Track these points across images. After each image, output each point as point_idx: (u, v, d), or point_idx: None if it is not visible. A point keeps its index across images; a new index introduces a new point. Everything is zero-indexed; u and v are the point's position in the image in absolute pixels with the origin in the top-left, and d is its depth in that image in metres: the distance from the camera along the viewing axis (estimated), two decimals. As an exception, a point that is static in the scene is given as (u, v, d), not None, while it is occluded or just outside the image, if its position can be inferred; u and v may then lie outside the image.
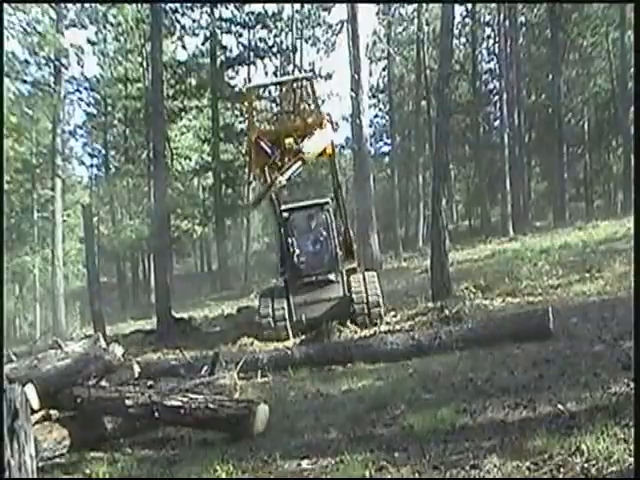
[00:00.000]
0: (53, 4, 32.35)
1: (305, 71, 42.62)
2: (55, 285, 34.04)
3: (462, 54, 46.74)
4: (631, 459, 4.56)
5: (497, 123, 45.29)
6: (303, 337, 13.56)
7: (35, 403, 6.94)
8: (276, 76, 45.23)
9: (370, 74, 50.49)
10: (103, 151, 49.69)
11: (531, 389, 6.93)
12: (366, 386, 8.76)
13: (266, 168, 14.25)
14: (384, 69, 50.05)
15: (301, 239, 14.63)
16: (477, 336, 9.96)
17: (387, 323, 13.87)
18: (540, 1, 39.65)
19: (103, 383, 7.90)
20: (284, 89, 15.07)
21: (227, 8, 40.93)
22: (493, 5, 40.88)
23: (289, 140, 13.77)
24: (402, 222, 47.93)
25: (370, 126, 39.31)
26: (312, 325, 13.66)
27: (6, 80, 27.26)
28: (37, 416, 7.13)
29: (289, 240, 14.49)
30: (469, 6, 40.87)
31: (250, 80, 43.30)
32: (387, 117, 52.00)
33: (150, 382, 8.81)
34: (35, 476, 4.70)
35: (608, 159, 47.03)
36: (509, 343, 9.43)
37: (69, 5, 34.32)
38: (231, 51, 42.42)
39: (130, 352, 12.45)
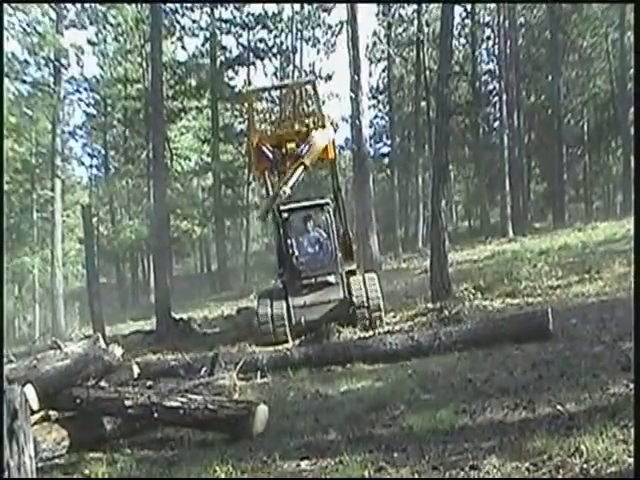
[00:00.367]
0: (53, 4, 32.34)
1: (307, 73, 42.67)
2: (54, 285, 34.03)
3: (462, 55, 46.74)
4: (630, 460, 4.56)
5: (497, 124, 45.21)
6: (302, 339, 13.47)
7: (34, 404, 6.93)
8: (276, 77, 45.33)
9: (370, 75, 50.43)
10: (103, 151, 49.79)
11: (530, 390, 6.93)
12: (365, 387, 8.76)
13: (266, 172, 14.26)
14: (384, 70, 50.03)
15: (300, 240, 14.48)
16: (476, 337, 9.96)
17: (387, 324, 13.82)
18: (541, 1, 39.63)
19: (102, 384, 7.90)
20: (286, 93, 14.90)
21: (227, 9, 41.03)
22: (493, 6, 40.85)
23: (291, 145, 13.73)
24: (402, 223, 47.90)
25: (370, 127, 39.21)
26: (311, 328, 13.48)
27: (5, 80, 27.25)
28: (36, 417, 7.13)
29: (288, 241, 14.25)
30: (469, 7, 40.83)
31: (250, 81, 43.47)
32: (387, 118, 51.97)
33: (149, 383, 8.82)
34: (34, 477, 4.70)
35: (607, 160, 47.09)
36: (508, 344, 9.45)
37: (69, 5, 34.29)
38: (231, 52, 42.56)
39: (129, 353, 12.45)
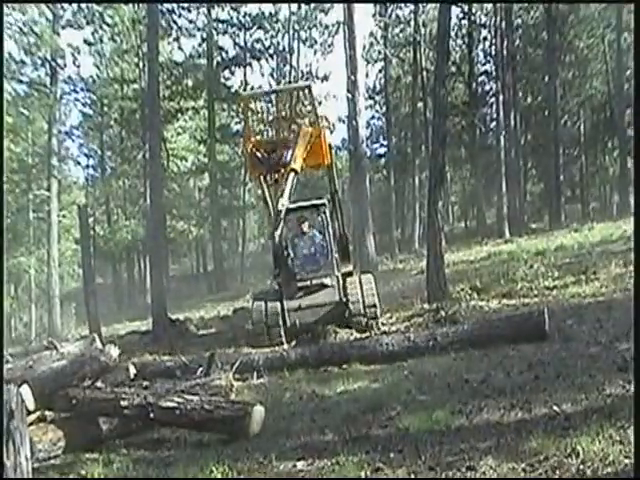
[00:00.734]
0: (50, 4, 32.33)
1: (304, 74, 42.72)
2: (50, 286, 34.00)
3: (458, 56, 46.70)
4: (627, 460, 4.57)
5: (493, 125, 45.24)
6: (298, 340, 13.34)
7: (30, 404, 6.93)
8: (272, 77, 45.42)
9: (367, 75, 50.59)
10: (99, 152, 49.80)
11: (527, 390, 6.93)
12: (362, 387, 8.75)
13: (261, 178, 14.16)
14: (381, 71, 50.07)
15: (296, 241, 14.33)
16: (473, 338, 9.95)
17: (383, 324, 13.77)
18: (539, 1, 39.64)
19: (99, 384, 7.89)
20: (282, 97, 14.77)
21: (223, 9, 41.02)
22: (489, 7, 40.88)
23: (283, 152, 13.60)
24: (398, 223, 47.94)
25: (366, 127, 39.13)
26: (306, 331, 13.29)
27: (2, 80, 27.26)
28: (32, 417, 7.13)
29: (283, 242, 14.07)
30: (465, 8, 40.83)
31: (246, 81, 43.51)
32: (383, 119, 51.96)
33: (146, 383, 8.81)
34: (30, 477, 4.70)
35: (604, 161, 47.11)
36: (505, 345, 9.44)
37: (65, 5, 34.32)
38: (227, 52, 42.52)
39: (126, 353, 12.42)
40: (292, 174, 12.51)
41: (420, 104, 44.49)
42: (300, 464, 5.87)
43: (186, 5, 37.95)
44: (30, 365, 7.53)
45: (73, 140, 52.36)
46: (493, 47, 41.68)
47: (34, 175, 40.47)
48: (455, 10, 37.04)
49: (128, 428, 7.74)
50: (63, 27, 34.68)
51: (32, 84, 34.83)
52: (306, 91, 14.49)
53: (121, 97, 43.31)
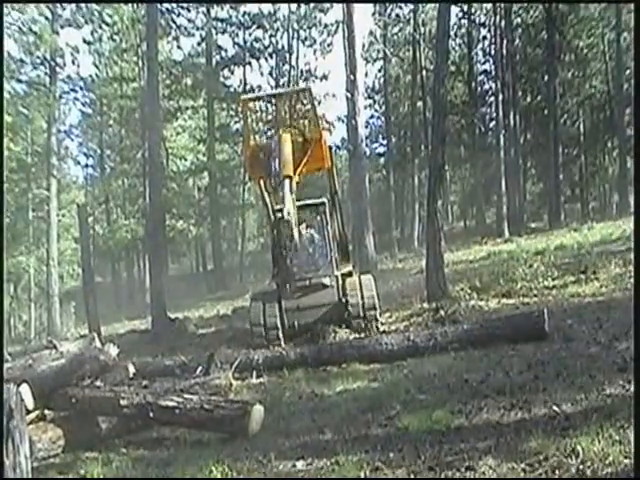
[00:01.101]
0: (49, 4, 32.32)
1: (303, 73, 42.71)
2: (50, 285, 33.98)
3: (458, 55, 46.72)
4: (626, 460, 4.57)
5: (493, 124, 45.22)
6: (297, 341, 13.25)
7: (30, 403, 6.93)
8: (271, 76, 45.37)
9: (366, 75, 50.75)
10: (98, 151, 49.79)
11: (526, 390, 6.93)
12: (361, 387, 8.75)
13: (262, 181, 14.03)
14: (380, 70, 50.12)
15: (295, 240, 14.17)
16: (472, 337, 9.95)
17: (382, 324, 13.72)
18: (538, 1, 39.61)
19: (98, 383, 7.89)
20: (281, 100, 14.58)
21: (223, 9, 41.01)
22: (489, 6, 40.85)
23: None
24: (397, 223, 47.90)
25: (366, 127, 39.19)
26: (305, 331, 13.16)
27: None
28: (32, 416, 7.13)
29: (282, 242, 13.59)
30: (465, 7, 40.84)
31: (245, 81, 43.48)
32: (383, 118, 52.02)
33: (145, 382, 8.83)
34: (30, 476, 4.69)
35: (603, 161, 47.05)
36: (504, 344, 9.44)
37: (64, 4, 34.27)
38: (227, 51, 42.59)
39: (125, 352, 12.42)
40: (287, 181, 12.09)
41: (419, 103, 44.52)
42: (299, 464, 5.88)
43: (185, 4, 37.96)
44: (29, 364, 7.54)
45: (72, 139, 52.62)
46: (493, 46, 41.65)
47: (33, 174, 40.35)
48: (455, 9, 37.11)
49: (127, 427, 7.75)
50: (62, 26, 34.63)
51: (31, 83, 34.81)
52: (306, 94, 14.37)
53: (120, 96, 43.25)
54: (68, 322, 37.81)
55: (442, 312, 12.93)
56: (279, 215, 11.57)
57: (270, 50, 43.85)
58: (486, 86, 47.92)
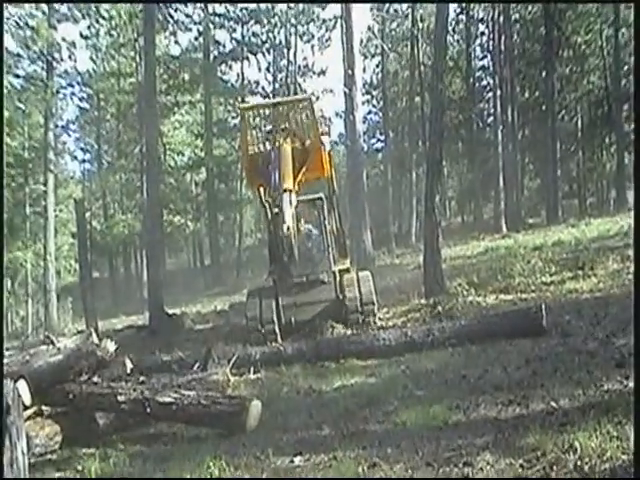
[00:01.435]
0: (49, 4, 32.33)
1: (301, 68, 42.63)
2: (47, 280, 33.98)
3: (456, 50, 46.72)
4: (624, 456, 4.57)
5: (491, 120, 45.21)
6: (294, 337, 13.17)
7: (27, 399, 6.91)
8: (269, 71, 45.31)
9: (364, 70, 50.54)
10: (96, 146, 49.74)
11: (524, 386, 6.93)
12: (359, 382, 8.75)
13: (260, 189, 13.93)
14: (378, 65, 50.08)
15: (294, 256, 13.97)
16: (470, 333, 9.95)
17: (380, 319, 13.71)
18: (538, 1, 39.56)
19: (95, 379, 7.87)
20: (281, 109, 14.42)
21: (220, 4, 40.90)
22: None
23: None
24: (395, 218, 47.94)
25: (363, 122, 39.11)
26: (302, 328, 13.06)
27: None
28: (29, 412, 7.11)
29: (279, 237, 13.28)
30: (463, 3, 40.81)
31: (243, 76, 43.44)
32: (381, 113, 52.07)
33: (142, 378, 8.79)
34: (27, 472, 4.69)
35: (601, 157, 47.03)
36: (502, 340, 9.45)
37: (62, -1, 34.23)
38: (224, 46, 42.56)
39: (122, 348, 12.39)
40: (286, 194, 11.74)
41: (417, 99, 44.48)
42: (297, 459, 5.88)
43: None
44: (27, 360, 7.49)
45: (69, 134, 52.36)
46: (491, 42, 41.53)
47: (30, 169, 40.31)
48: (453, 5, 37.00)
49: (125, 423, 7.74)
50: (59, 21, 34.59)
51: (28, 78, 34.75)
52: (306, 103, 14.24)
53: (117, 91, 43.12)
54: (65, 317, 37.79)
55: (440, 308, 12.94)
56: (285, 231, 11.39)
57: (268, 45, 43.87)
58: (484, 82, 47.95)
